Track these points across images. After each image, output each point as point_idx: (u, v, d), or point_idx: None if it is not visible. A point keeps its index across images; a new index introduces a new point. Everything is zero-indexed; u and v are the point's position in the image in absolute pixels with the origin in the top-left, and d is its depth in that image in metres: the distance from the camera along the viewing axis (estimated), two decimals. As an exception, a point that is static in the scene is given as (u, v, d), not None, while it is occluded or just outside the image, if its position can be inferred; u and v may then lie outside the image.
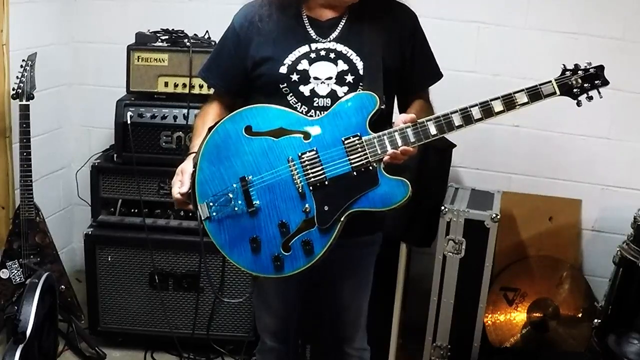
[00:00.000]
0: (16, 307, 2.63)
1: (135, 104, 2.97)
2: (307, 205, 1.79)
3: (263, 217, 1.81)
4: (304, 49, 1.91)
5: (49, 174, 3.52)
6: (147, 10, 3.42)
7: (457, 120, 1.76)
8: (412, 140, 1.76)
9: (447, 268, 2.86)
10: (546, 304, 3.14)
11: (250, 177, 1.82)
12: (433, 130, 1.76)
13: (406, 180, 1.77)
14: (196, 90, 2.95)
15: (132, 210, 3.07)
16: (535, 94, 1.76)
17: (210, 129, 1.88)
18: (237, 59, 1.98)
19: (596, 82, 1.77)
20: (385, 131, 1.78)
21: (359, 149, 1.78)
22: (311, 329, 2.75)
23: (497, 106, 1.75)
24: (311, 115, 1.88)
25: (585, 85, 1.77)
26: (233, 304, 3.04)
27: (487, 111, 1.76)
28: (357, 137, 1.78)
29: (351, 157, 1.78)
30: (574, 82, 1.77)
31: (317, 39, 1.92)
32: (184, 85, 2.98)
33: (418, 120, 1.77)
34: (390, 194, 1.77)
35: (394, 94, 2.03)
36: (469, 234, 2.82)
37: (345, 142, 1.79)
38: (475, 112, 1.75)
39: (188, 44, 2.99)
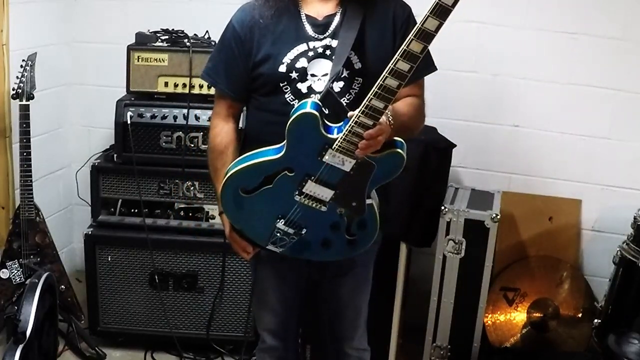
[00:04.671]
0: (16, 307, 2.63)
1: (135, 104, 2.97)
2: (337, 209, 1.87)
3: (316, 231, 1.92)
4: (302, 47, 1.92)
5: (49, 174, 3.52)
6: (147, 10, 3.42)
7: (392, 83, 1.70)
8: (370, 123, 1.74)
9: (447, 268, 2.86)
10: (546, 304, 3.14)
11: (281, 220, 1.91)
12: (379, 104, 1.72)
13: (394, 150, 1.81)
14: (196, 90, 2.95)
15: (132, 210, 3.07)
16: (443, 11, 1.62)
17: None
18: (241, 60, 1.98)
19: None
20: (346, 128, 1.76)
21: (338, 156, 1.80)
22: (311, 329, 2.74)
23: (416, 47, 1.66)
24: None
25: None
26: (232, 306, 3.06)
27: (411, 57, 1.67)
28: (327, 149, 1.79)
29: (337, 165, 1.81)
30: None
31: (314, 36, 1.93)
32: (184, 85, 2.98)
33: (364, 102, 1.73)
34: (391, 167, 1.83)
35: None
36: (469, 234, 2.82)
37: (323, 159, 1.81)
38: (403, 65, 1.68)
39: (188, 44, 2.99)
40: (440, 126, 3.02)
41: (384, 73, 1.70)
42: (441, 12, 1.62)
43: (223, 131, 2.05)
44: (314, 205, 1.86)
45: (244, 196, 1.88)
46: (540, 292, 3.15)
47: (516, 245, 3.23)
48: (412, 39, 1.66)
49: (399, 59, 1.68)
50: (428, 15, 1.63)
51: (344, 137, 1.76)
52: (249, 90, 2.02)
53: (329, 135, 1.79)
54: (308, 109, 1.78)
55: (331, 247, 1.94)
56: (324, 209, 1.86)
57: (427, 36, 1.66)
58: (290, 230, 1.91)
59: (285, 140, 1.82)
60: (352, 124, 1.74)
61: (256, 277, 2.25)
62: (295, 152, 1.83)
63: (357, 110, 1.74)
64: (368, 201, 1.86)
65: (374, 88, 1.71)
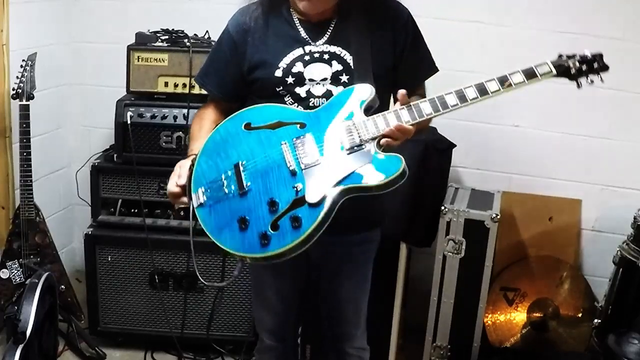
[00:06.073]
0: (16, 307, 2.63)
1: (135, 104, 2.97)
2: (298, 184, 1.75)
3: (253, 198, 1.78)
4: (298, 51, 1.92)
5: (49, 174, 3.52)
6: (147, 10, 3.42)
7: (451, 99, 1.75)
8: (407, 119, 1.75)
9: (447, 268, 2.86)
10: (546, 304, 3.15)
11: (243, 163, 1.82)
12: (427, 109, 1.75)
13: (400, 156, 1.75)
14: (196, 90, 2.95)
15: (132, 210, 3.07)
16: (530, 73, 1.75)
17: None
18: (234, 63, 1.99)
19: (594, 65, 1.79)
20: (379, 113, 1.77)
21: (352, 130, 1.78)
22: (311, 329, 2.75)
23: (492, 86, 1.75)
24: None
25: (582, 67, 1.78)
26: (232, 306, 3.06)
27: (482, 90, 1.75)
28: (351, 123, 1.79)
29: (344, 137, 1.78)
30: (570, 64, 1.78)
31: (310, 41, 1.93)
32: (184, 85, 2.98)
33: (411, 102, 1.76)
34: (382, 169, 1.73)
35: (389, 91, 2.03)
36: (469, 234, 2.82)
37: (341, 122, 1.79)
38: (470, 92, 1.75)
39: (188, 44, 2.99)
40: (440, 126, 3.02)
41: (450, 90, 1.75)
42: (529, 74, 1.76)
43: (208, 111, 2.08)
44: (287, 158, 1.77)
45: (242, 131, 1.86)
46: (540, 292, 3.15)
47: (516, 245, 3.23)
48: (493, 80, 1.74)
49: (470, 86, 1.75)
50: (518, 71, 1.75)
51: (373, 118, 1.77)
52: (247, 93, 2.02)
53: (362, 114, 1.79)
54: (370, 86, 1.82)
55: (245, 231, 1.75)
56: (292, 167, 1.76)
57: (506, 83, 1.74)
58: (237, 179, 1.79)
59: (326, 103, 1.84)
60: (392, 111, 1.76)
61: (254, 277, 2.25)
62: (324, 113, 1.83)
63: (403, 105, 1.75)
64: (329, 194, 1.72)
65: (432, 97, 1.75)
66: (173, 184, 1.88)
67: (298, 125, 1.83)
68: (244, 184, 1.79)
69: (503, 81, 1.74)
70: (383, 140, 1.76)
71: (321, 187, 1.73)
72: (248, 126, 1.86)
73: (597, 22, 3.06)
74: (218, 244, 1.79)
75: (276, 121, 1.84)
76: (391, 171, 1.72)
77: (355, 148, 1.76)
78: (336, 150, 1.77)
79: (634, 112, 3.11)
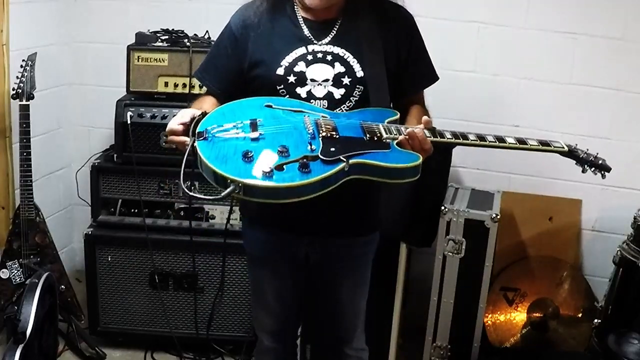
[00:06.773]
0: (16, 307, 2.64)
1: (135, 104, 2.97)
2: (313, 145, 1.71)
3: (263, 143, 1.70)
4: (301, 50, 1.92)
5: (49, 174, 3.52)
6: (147, 10, 3.42)
7: (472, 136, 1.83)
8: (427, 135, 1.78)
9: (447, 268, 2.86)
10: (546, 304, 3.14)
11: (261, 120, 1.77)
12: (448, 134, 1.82)
13: (418, 154, 1.75)
14: (196, 90, 2.95)
15: (132, 210, 3.07)
16: (545, 143, 1.89)
17: None
18: (234, 60, 1.98)
19: (599, 162, 1.96)
20: (402, 125, 1.82)
21: (375, 130, 1.78)
22: (311, 329, 2.74)
23: (510, 140, 1.86)
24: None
25: (590, 158, 1.95)
26: (232, 306, 3.06)
27: (500, 140, 1.85)
28: (374, 124, 1.81)
29: (366, 131, 1.78)
30: (579, 151, 1.95)
31: (313, 40, 1.93)
32: (184, 85, 2.98)
33: (438, 128, 1.83)
34: (399, 157, 1.73)
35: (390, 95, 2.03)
36: (469, 234, 2.81)
37: (363, 123, 1.81)
38: (490, 138, 1.84)
39: (188, 44, 2.99)
40: (440, 126, 3.00)
41: (472, 132, 1.84)
42: (544, 143, 1.88)
43: (207, 97, 2.04)
44: (307, 126, 1.77)
45: (262, 107, 1.84)
46: (540, 292, 3.15)
47: (516, 245, 3.23)
48: (512, 137, 1.86)
49: (490, 135, 1.85)
50: (535, 139, 1.88)
51: (397, 126, 1.80)
52: (242, 91, 2.00)
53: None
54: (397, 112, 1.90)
55: (248, 163, 1.64)
56: (310, 131, 1.74)
57: (522, 142, 1.87)
58: (252, 127, 1.74)
59: (352, 111, 1.89)
60: (416, 127, 1.79)
61: (253, 278, 2.25)
62: (350, 115, 1.87)
63: (424, 127, 1.80)
64: (342, 160, 1.67)
65: (454, 130, 1.82)
66: (175, 122, 1.80)
67: (321, 116, 1.83)
68: (258, 132, 1.73)
69: (520, 141, 1.87)
70: (402, 137, 1.76)
71: (337, 151, 1.69)
72: (269, 106, 1.84)
73: (597, 22, 3.06)
74: (213, 167, 1.64)
75: (299, 109, 1.84)
76: (406, 161, 1.73)
77: (376, 138, 1.76)
78: (356, 134, 1.77)
79: (634, 112, 3.11)
